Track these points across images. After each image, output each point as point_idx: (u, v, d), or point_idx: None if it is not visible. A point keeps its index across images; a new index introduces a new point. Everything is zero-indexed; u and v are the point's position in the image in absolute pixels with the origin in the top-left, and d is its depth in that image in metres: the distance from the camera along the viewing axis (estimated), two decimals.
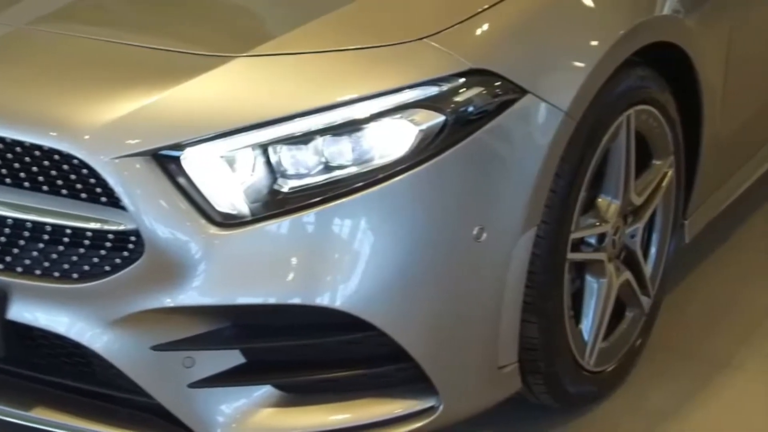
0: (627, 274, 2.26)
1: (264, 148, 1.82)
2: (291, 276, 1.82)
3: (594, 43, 2.01)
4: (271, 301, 1.83)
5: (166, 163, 1.80)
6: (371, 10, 1.98)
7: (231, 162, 1.82)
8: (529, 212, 1.92)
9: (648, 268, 2.33)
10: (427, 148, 1.82)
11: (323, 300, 1.82)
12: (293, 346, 1.90)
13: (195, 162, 1.81)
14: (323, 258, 1.82)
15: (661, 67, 2.21)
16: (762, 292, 2.67)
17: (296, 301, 1.83)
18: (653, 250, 2.35)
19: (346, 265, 1.81)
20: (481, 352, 1.97)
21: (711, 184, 2.53)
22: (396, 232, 1.82)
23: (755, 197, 2.99)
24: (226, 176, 1.82)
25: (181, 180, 1.81)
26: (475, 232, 1.87)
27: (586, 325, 2.18)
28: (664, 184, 2.29)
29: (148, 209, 1.80)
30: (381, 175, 1.81)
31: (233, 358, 1.89)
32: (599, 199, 2.16)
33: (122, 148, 1.80)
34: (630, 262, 2.28)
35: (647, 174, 2.26)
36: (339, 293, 1.82)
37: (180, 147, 1.80)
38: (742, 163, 2.69)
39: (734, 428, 2.25)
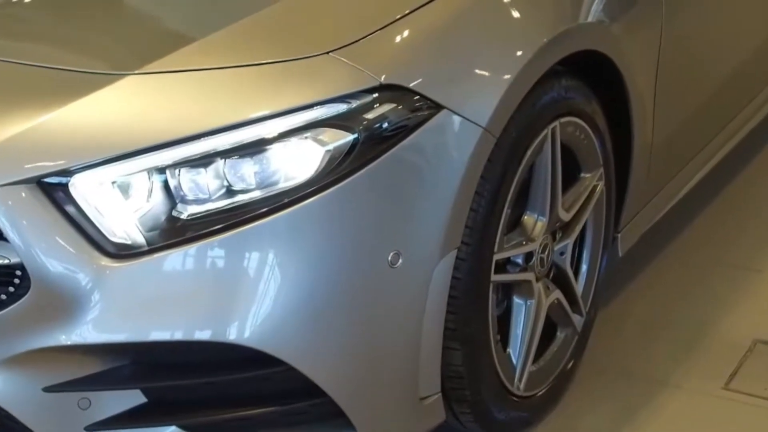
0: (557, 293, 2.19)
1: (161, 172, 1.71)
2: (193, 310, 1.72)
3: (514, 52, 1.91)
4: (176, 337, 1.73)
5: (52, 190, 1.69)
6: (275, 21, 1.87)
7: (124, 188, 1.71)
8: (449, 234, 1.84)
9: (579, 286, 2.27)
10: (336, 169, 1.72)
11: (228, 335, 1.72)
12: (198, 384, 1.79)
13: (84, 189, 1.70)
14: (227, 290, 1.72)
15: (587, 77, 2.12)
16: (698, 306, 2.60)
17: (200, 336, 1.72)
18: (584, 266, 2.28)
19: (252, 297, 1.71)
20: (401, 383, 1.87)
21: (644, 196, 2.47)
22: (304, 261, 1.73)
23: (689, 207, 2.92)
24: (119, 203, 1.71)
25: (70, 209, 1.70)
26: (390, 257, 1.78)
27: (515, 349, 2.10)
28: (594, 197, 2.22)
29: (35, 242, 1.69)
30: (287, 200, 1.71)
31: (133, 397, 1.79)
32: (525, 217, 2.09)
33: (5, 175, 1.68)
34: (560, 280, 2.21)
35: (575, 188, 2.19)
36: (244, 327, 1.72)
37: (67, 173, 1.70)
38: (676, 172, 2.62)
39: None
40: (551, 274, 2.19)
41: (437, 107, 1.80)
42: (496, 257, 1.97)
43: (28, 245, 1.68)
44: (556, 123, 2.05)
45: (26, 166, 1.69)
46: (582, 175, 2.19)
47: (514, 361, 2.10)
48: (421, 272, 1.82)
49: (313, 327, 1.74)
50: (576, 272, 2.26)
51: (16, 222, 1.68)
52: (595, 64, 2.14)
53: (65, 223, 1.69)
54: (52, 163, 1.69)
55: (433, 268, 1.83)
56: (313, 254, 1.73)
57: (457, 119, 1.82)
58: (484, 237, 1.91)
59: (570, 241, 2.20)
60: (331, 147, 1.72)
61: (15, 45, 1.98)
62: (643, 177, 2.39)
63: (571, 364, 2.27)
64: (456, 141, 1.82)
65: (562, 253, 2.19)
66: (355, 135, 1.73)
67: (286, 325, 1.72)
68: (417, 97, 1.78)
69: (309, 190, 1.71)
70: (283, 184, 1.71)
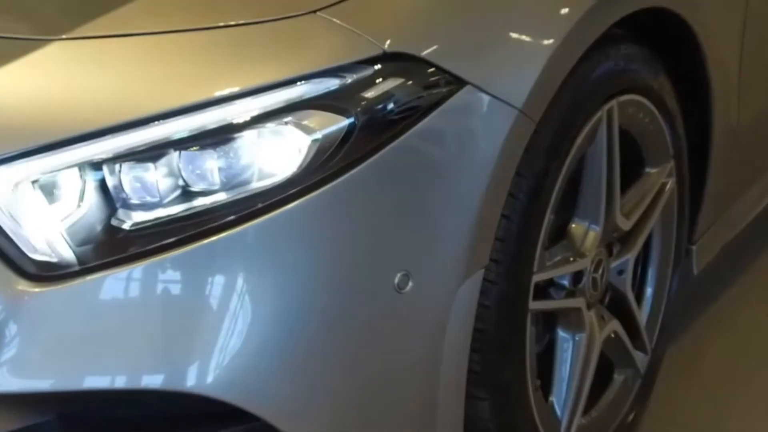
0: (614, 324, 2.19)
1: (96, 168, 1.68)
2: (139, 349, 1.68)
3: (558, 11, 1.89)
4: (117, 385, 1.68)
5: None
6: None
7: (48, 189, 1.68)
8: (473, 248, 1.81)
9: (643, 314, 2.27)
10: (326, 164, 1.69)
11: (184, 381, 1.67)
12: None
13: None
14: (183, 323, 1.68)
15: (653, 43, 2.10)
16: None
17: (148, 383, 1.68)
18: (649, 289, 2.29)
19: (215, 333, 1.67)
20: None
21: (726, 196, 2.45)
22: (284, 285, 1.70)
23: None
24: (41, 209, 1.67)
25: None
26: (397, 279, 1.76)
27: (559, 397, 2.10)
28: (662, 199, 2.21)
29: None
30: (261, 204, 1.68)
31: None
32: (573, 225, 2.08)
33: None
34: (618, 307, 2.21)
35: (638, 187, 2.18)
36: (206, 372, 1.68)
37: None
38: (767, 166, 2.61)
39: None
40: (607, 300, 2.19)
41: (458, 82, 1.77)
42: (536, 278, 1.95)
43: None
44: (613, 102, 2.03)
45: None
46: (646, 170, 2.19)
47: (559, 412, 2.09)
48: (437, 299, 1.80)
49: (295, 371, 1.71)
50: (639, 297, 2.26)
51: None
52: (664, 27, 2.10)
53: None
54: None
55: (454, 293, 1.80)
56: (296, 276, 1.70)
57: (484, 98, 1.79)
58: (519, 252, 1.90)
59: (631, 257, 2.19)
60: (319, 135, 1.68)
61: None
62: (724, 173, 2.36)
63: (631, 416, 2.26)
64: (483, 127, 1.80)
65: (620, 272, 2.19)
66: (352, 119, 1.71)
67: (259, 369, 1.69)
68: (432, 69, 1.76)
69: (290, 192, 1.68)
70: (257, 184, 1.68)
